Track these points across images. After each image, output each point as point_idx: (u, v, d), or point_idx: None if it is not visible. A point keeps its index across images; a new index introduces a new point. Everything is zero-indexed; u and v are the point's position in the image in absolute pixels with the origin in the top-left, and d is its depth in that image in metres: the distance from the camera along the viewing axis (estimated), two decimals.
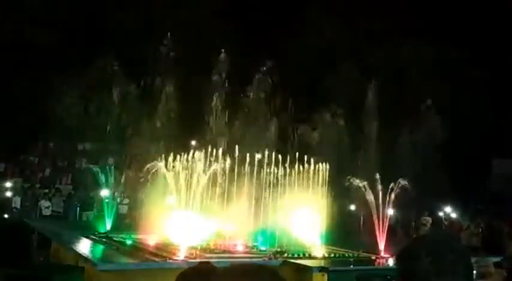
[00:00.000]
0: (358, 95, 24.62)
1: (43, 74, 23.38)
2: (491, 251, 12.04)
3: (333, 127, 24.46)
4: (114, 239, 13.07)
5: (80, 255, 9.56)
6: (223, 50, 21.95)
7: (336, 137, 23.85)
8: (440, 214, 20.56)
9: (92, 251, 11.02)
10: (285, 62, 24.66)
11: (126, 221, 16.77)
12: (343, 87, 25.24)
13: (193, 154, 13.15)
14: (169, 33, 22.91)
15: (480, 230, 17.46)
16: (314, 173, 14.22)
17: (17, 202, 19.65)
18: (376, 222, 13.37)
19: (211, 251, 11.27)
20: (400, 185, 14.00)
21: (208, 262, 1.72)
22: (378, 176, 14.24)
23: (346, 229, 16.82)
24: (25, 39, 24.35)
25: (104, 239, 13.12)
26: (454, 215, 20.40)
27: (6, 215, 17.39)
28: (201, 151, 13.32)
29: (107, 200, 15.94)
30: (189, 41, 23.22)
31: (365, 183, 13.98)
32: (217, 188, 13.39)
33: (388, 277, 5.91)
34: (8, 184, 20.25)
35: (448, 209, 20.77)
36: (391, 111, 23.95)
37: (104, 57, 22.84)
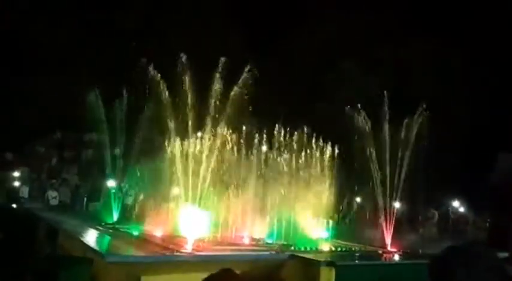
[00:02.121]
0: (361, 90, 24.52)
1: (50, 65, 23.46)
2: (498, 247, 12.01)
3: (337, 122, 24.29)
4: (121, 230, 13.12)
5: (87, 247, 9.60)
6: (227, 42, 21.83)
7: (341, 132, 23.72)
8: (448, 208, 20.55)
9: (99, 243, 11.07)
10: (286, 57, 24.59)
11: (133, 212, 16.82)
12: (345, 82, 25.17)
13: (200, 146, 13.14)
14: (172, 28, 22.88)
15: (487, 224, 17.44)
16: (321, 167, 14.22)
17: (24, 192, 19.80)
18: (382, 216, 13.36)
19: (218, 243, 11.27)
20: (406, 179, 13.97)
21: (230, 269, 1.69)
22: (385, 170, 14.21)
23: (353, 223, 16.82)
24: (32, 29, 24.40)
25: (110, 230, 13.16)
26: (461, 210, 20.37)
27: (14, 205, 17.50)
28: (207, 143, 13.30)
29: (113, 191, 16.02)
30: (191, 35, 23.15)
31: (371, 177, 13.97)
32: (224, 181, 13.37)
33: None
34: (16, 174, 20.39)
35: (455, 203, 20.75)
36: (394, 105, 23.86)
37: (111, 49, 22.85)
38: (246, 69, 14.98)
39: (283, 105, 22.85)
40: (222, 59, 15.80)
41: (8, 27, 23.81)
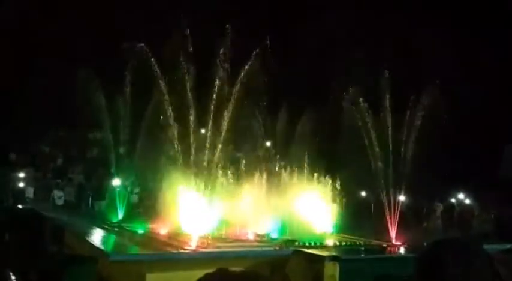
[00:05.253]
0: (367, 80, 24.37)
1: (54, 64, 23.47)
2: (503, 238, 11.98)
3: (342, 113, 24.18)
4: (126, 228, 13.17)
5: (92, 245, 9.66)
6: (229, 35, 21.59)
7: (345, 123, 23.63)
8: (452, 200, 20.49)
9: (104, 242, 11.13)
10: (294, 49, 24.50)
11: (138, 211, 16.88)
12: (351, 72, 25.02)
13: (204, 143, 13.16)
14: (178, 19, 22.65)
15: (492, 216, 17.40)
16: (325, 159, 14.22)
17: (30, 192, 19.89)
18: (387, 209, 13.33)
19: (223, 240, 11.29)
20: (411, 172, 13.92)
21: (225, 269, 1.70)
22: (389, 162, 14.17)
23: (357, 217, 16.79)
24: (34, 28, 24.43)
25: (116, 229, 13.22)
26: (467, 202, 20.32)
27: (19, 205, 17.59)
28: (211, 139, 13.30)
29: (118, 190, 16.06)
30: (195, 27, 22.93)
31: (376, 169, 13.93)
32: (228, 177, 13.38)
33: (406, 278, 5.87)
34: (21, 174, 20.47)
35: (460, 195, 20.70)
36: (401, 95, 23.74)
37: (113, 46, 22.79)
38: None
39: (285, 96, 22.74)
40: (223, 50, 15.64)
41: (10, 26, 23.89)
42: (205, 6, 25.61)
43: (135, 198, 18.79)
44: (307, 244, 10.93)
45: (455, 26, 25.73)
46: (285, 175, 13.82)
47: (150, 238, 11.44)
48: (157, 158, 15.77)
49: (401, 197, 13.94)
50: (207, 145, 12.98)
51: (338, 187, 13.99)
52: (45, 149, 25.81)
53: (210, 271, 2.28)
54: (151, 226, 13.07)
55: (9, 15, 24.29)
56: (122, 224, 13.95)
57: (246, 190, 13.37)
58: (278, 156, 15.44)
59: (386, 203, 13.42)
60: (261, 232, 12.45)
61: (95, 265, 7.83)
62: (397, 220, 13.18)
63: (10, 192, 19.34)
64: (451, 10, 26.20)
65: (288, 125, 21.79)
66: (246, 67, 15.21)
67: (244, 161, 13.87)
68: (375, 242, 12.59)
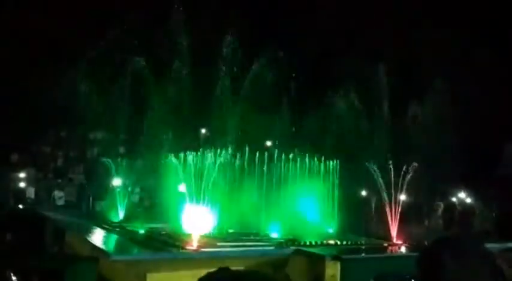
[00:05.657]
0: (368, 78, 24.36)
1: (54, 64, 23.47)
2: (505, 236, 11.98)
3: (343, 111, 24.22)
4: (127, 228, 13.17)
5: (93, 245, 9.66)
6: (230, 33, 21.57)
7: (346, 121, 23.65)
8: (453, 199, 20.48)
9: (105, 242, 11.13)
10: (293, 45, 24.42)
11: (138, 211, 16.88)
12: (352, 70, 25.01)
13: (204, 142, 13.17)
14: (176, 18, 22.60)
15: (493, 214, 17.41)
16: (325, 159, 14.23)
17: (31, 192, 19.90)
18: (387, 208, 13.33)
19: (223, 240, 11.30)
20: (412, 170, 13.92)
21: (227, 268, 1.70)
22: (389, 161, 14.19)
23: (358, 216, 16.80)
24: (33, 27, 24.44)
25: (116, 229, 13.22)
26: (468, 200, 20.31)
27: (21, 206, 17.60)
28: (211, 138, 13.32)
29: (119, 190, 16.07)
30: (196, 26, 22.97)
31: (376, 168, 13.94)
32: (229, 177, 13.39)
33: (407, 277, 5.90)
34: (22, 175, 20.48)
35: (462, 194, 20.70)
36: (401, 94, 23.75)
37: (114, 46, 22.79)
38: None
39: (287, 96, 22.72)
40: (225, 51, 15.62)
41: (10, 26, 23.90)
42: (207, 7, 25.61)
43: (135, 198, 18.78)
44: (307, 243, 10.94)
45: (455, 26, 25.68)
46: (285, 173, 13.80)
47: (151, 238, 11.44)
48: (157, 158, 15.80)
49: (402, 196, 13.93)
50: (208, 144, 13.01)
51: (339, 186, 14.00)
52: (46, 150, 25.83)
53: (210, 271, 2.29)
54: (152, 226, 13.08)
55: (9, 15, 24.29)
56: (123, 224, 13.95)
57: (246, 190, 13.38)
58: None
59: (387, 203, 13.42)
60: (261, 232, 12.46)
61: (96, 265, 7.82)
62: (398, 219, 13.18)
63: (11, 192, 19.35)
64: (451, 10, 26.18)
65: (289, 124, 21.80)
66: (247, 67, 15.23)
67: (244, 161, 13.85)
68: (375, 241, 12.59)
